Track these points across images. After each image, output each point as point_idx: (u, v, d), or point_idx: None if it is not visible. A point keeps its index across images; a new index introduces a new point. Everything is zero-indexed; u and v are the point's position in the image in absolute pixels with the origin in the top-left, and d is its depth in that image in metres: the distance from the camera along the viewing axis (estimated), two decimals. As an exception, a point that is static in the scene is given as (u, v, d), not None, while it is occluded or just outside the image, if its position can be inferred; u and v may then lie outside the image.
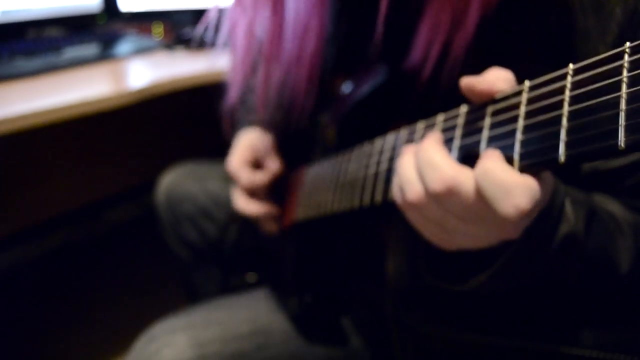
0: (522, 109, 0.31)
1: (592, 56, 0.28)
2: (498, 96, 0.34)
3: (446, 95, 0.47)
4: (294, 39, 0.59)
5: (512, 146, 0.31)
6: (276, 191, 0.74)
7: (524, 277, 0.40)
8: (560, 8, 0.43)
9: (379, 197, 0.45)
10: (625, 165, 0.42)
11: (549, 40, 0.44)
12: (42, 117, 0.81)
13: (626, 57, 0.25)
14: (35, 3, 1.25)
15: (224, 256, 0.78)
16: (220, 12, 0.67)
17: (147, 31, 1.42)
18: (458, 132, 0.37)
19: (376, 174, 0.46)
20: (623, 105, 0.24)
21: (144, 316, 0.91)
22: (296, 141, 0.71)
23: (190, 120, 1.69)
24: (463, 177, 0.33)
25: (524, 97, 0.32)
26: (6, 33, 1.20)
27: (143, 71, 1.13)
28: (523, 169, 0.31)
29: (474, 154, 0.34)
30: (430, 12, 0.47)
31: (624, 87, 0.25)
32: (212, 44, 0.68)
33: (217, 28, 0.67)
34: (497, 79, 0.34)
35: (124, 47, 1.26)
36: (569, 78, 0.28)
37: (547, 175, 0.33)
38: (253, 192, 0.72)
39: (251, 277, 0.66)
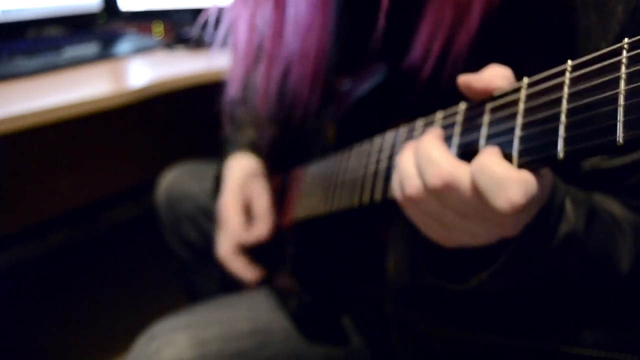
0: (521, 106, 0.31)
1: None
2: (497, 93, 0.34)
3: (446, 93, 0.47)
4: (296, 36, 0.59)
5: (510, 143, 0.31)
6: (275, 192, 0.74)
7: (525, 276, 0.40)
8: (562, 6, 0.43)
9: (378, 195, 0.45)
10: (626, 164, 0.42)
11: (550, 38, 0.44)
12: (42, 117, 0.81)
13: (624, 53, 0.25)
14: (35, 2, 1.25)
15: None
16: (220, 10, 0.66)
17: (147, 30, 1.42)
18: (457, 129, 0.37)
19: (376, 172, 0.46)
20: (621, 101, 0.24)
21: (144, 316, 0.91)
22: (296, 140, 0.71)
23: (190, 119, 1.69)
24: (461, 173, 0.33)
25: (523, 93, 0.32)
26: (6, 32, 1.20)
27: (143, 70, 1.13)
28: (522, 166, 0.31)
29: (473, 150, 0.34)
30: (432, 9, 0.47)
31: (622, 83, 0.25)
32: (212, 43, 0.68)
33: (217, 26, 0.67)
34: (494, 77, 0.34)
35: (124, 46, 1.26)
36: (568, 74, 0.28)
37: (546, 172, 0.33)
38: (241, 246, 0.72)
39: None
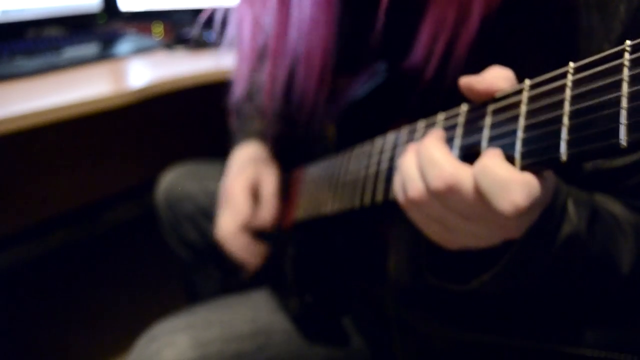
0: (523, 108, 0.31)
1: (596, 55, 0.27)
2: (498, 95, 0.34)
3: (447, 94, 0.47)
4: (301, 35, 0.59)
5: (513, 145, 0.31)
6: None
7: (526, 277, 0.40)
8: (564, 6, 0.43)
9: (379, 196, 0.45)
10: (627, 165, 0.42)
11: (552, 39, 0.44)
12: (42, 117, 0.81)
13: (627, 55, 0.25)
14: (35, 3, 1.25)
15: (224, 256, 0.78)
16: (223, 10, 0.66)
17: (147, 31, 1.42)
18: (459, 131, 0.37)
19: (377, 174, 0.46)
20: (624, 103, 0.24)
21: (144, 316, 0.90)
22: (296, 140, 0.71)
23: (190, 120, 1.69)
24: (462, 175, 0.33)
25: (525, 95, 0.32)
26: (6, 33, 1.20)
27: (143, 71, 1.13)
28: (525, 168, 0.30)
29: (475, 152, 0.34)
30: (434, 9, 0.47)
31: (625, 85, 0.25)
32: (213, 44, 0.68)
33: (218, 26, 0.67)
34: (496, 78, 0.34)
35: (123, 46, 1.26)
36: (570, 76, 0.28)
37: (549, 174, 0.33)
38: (246, 227, 0.69)
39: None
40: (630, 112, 0.24)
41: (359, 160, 0.51)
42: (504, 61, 0.36)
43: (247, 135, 0.78)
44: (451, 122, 0.38)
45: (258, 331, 0.64)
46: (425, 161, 0.35)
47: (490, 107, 0.34)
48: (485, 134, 0.34)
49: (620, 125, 0.24)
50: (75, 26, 1.36)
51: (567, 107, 0.28)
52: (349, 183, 0.52)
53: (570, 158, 0.27)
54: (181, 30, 1.32)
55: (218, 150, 0.87)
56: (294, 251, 0.69)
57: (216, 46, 1.21)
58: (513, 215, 0.30)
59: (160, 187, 0.99)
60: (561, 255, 0.38)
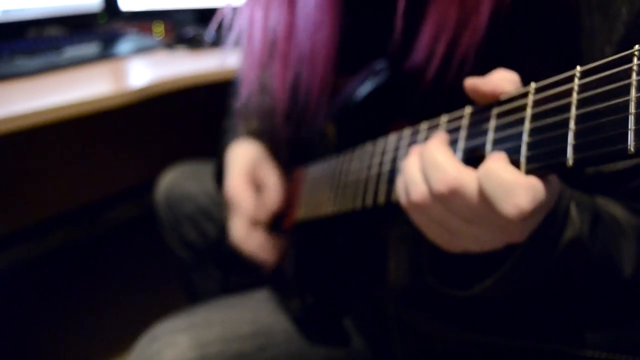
0: (529, 111, 0.31)
1: (598, 56, 0.27)
2: (503, 98, 0.34)
3: (450, 95, 0.47)
4: (306, 35, 0.59)
5: (518, 149, 0.31)
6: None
7: (528, 281, 0.40)
8: (566, 7, 0.42)
9: (381, 198, 0.45)
10: (629, 168, 0.42)
11: (554, 40, 0.43)
12: (43, 117, 0.81)
13: (635, 59, 0.25)
14: (35, 2, 1.25)
15: (224, 256, 0.78)
16: (228, 10, 0.66)
17: (147, 30, 1.42)
18: (462, 134, 0.36)
19: (379, 175, 0.46)
20: (632, 108, 0.24)
21: (144, 316, 0.90)
22: (297, 140, 0.71)
23: (190, 119, 1.69)
24: (466, 178, 0.33)
25: (530, 99, 0.31)
26: (6, 32, 1.20)
27: (143, 70, 1.13)
28: (529, 172, 0.30)
29: (479, 156, 0.34)
30: (435, 10, 0.47)
31: (633, 90, 0.24)
32: (213, 43, 0.68)
33: (224, 26, 0.67)
34: (502, 80, 0.34)
35: (124, 46, 1.26)
36: (577, 80, 0.28)
37: (553, 178, 0.33)
38: (257, 220, 0.68)
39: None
40: (639, 118, 0.24)
41: (360, 161, 0.51)
42: (506, 62, 0.36)
43: (242, 134, 0.78)
44: (455, 124, 0.38)
45: (259, 331, 0.64)
46: (428, 164, 0.35)
47: (495, 110, 0.34)
48: (490, 137, 0.34)
49: (629, 131, 0.24)
50: (75, 26, 1.36)
51: (573, 111, 0.28)
52: (350, 184, 0.52)
53: (576, 163, 0.27)
54: (182, 30, 1.32)
55: (218, 151, 0.87)
56: (295, 251, 0.69)
57: (217, 46, 1.22)
58: (517, 219, 0.30)
59: (161, 187, 0.98)
60: (564, 259, 0.38)
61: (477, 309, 0.48)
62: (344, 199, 0.52)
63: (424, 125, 0.42)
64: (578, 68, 0.28)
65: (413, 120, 0.44)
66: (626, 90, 0.25)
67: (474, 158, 0.35)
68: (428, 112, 0.42)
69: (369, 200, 0.47)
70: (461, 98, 0.37)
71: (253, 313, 0.67)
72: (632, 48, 0.25)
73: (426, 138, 0.40)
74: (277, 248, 0.69)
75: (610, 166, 0.43)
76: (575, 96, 0.28)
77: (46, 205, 1.53)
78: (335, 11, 0.57)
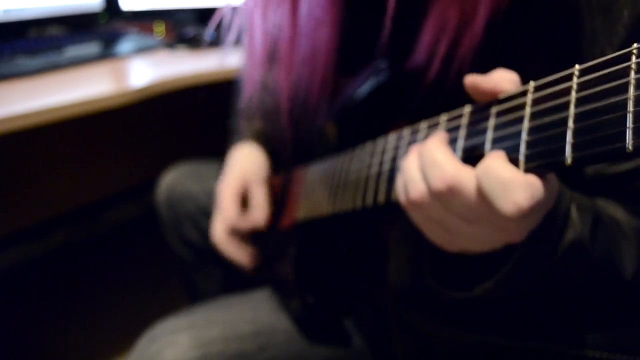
0: (528, 110, 0.31)
1: (599, 58, 0.27)
2: (502, 96, 0.34)
3: (450, 95, 0.47)
4: (307, 35, 0.59)
5: (517, 147, 0.31)
6: (276, 192, 0.74)
7: (529, 283, 0.40)
8: (567, 9, 0.42)
9: (381, 197, 0.45)
10: (629, 170, 0.42)
11: (555, 42, 0.43)
12: (43, 116, 0.81)
13: (633, 58, 0.25)
14: (36, 2, 1.25)
15: (224, 256, 0.78)
16: (229, 10, 0.66)
17: (148, 30, 1.42)
18: (462, 133, 0.36)
19: (379, 174, 0.46)
20: (630, 107, 0.24)
21: (144, 316, 0.90)
22: (297, 139, 0.71)
23: (191, 119, 1.69)
24: (465, 176, 0.33)
25: (529, 98, 0.31)
26: (7, 32, 1.20)
27: (144, 70, 1.13)
28: (528, 171, 0.30)
29: (478, 154, 0.34)
30: (436, 10, 0.47)
31: (631, 89, 0.24)
32: (214, 43, 0.68)
33: (224, 26, 0.67)
34: (502, 79, 0.34)
35: (125, 46, 1.26)
36: (575, 79, 0.28)
37: (552, 177, 0.33)
38: (235, 231, 0.73)
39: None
40: (637, 116, 0.24)
41: (360, 161, 0.51)
42: (507, 63, 0.36)
43: (246, 135, 0.78)
44: (454, 123, 0.38)
45: (259, 331, 0.64)
46: (427, 163, 0.35)
47: (494, 109, 0.34)
48: (489, 135, 0.34)
49: (627, 130, 0.24)
50: (76, 25, 1.36)
51: (572, 110, 0.28)
52: (350, 183, 0.52)
53: (575, 161, 0.27)
54: (182, 30, 1.32)
55: (219, 150, 0.87)
56: (295, 251, 0.69)
57: (217, 46, 1.22)
58: (515, 217, 0.30)
59: (161, 187, 0.98)
60: (564, 261, 0.38)
61: (478, 310, 0.48)
62: (344, 199, 0.52)
63: (423, 124, 0.42)
64: (577, 66, 0.28)
65: (413, 120, 0.44)
66: (624, 88, 0.25)
67: (473, 157, 0.35)
68: (428, 112, 0.42)
69: (369, 200, 0.47)
70: (461, 98, 0.37)
71: (253, 312, 0.67)
72: None
73: (426, 137, 0.40)
74: (251, 256, 0.74)
75: (611, 168, 0.43)
76: (574, 94, 0.28)
77: (46, 205, 1.53)
78: (336, 10, 0.57)
